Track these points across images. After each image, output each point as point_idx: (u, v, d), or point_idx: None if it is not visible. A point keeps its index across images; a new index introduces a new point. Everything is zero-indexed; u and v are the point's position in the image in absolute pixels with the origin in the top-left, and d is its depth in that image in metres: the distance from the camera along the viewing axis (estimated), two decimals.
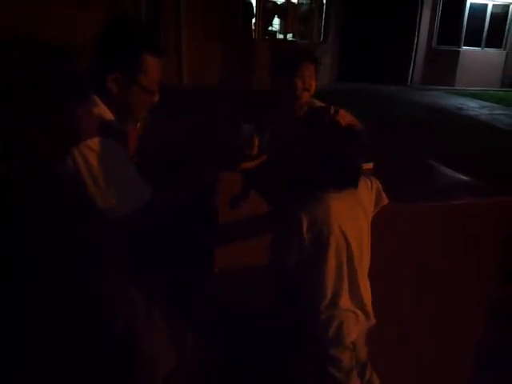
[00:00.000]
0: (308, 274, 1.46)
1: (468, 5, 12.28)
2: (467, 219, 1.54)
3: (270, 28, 11.14)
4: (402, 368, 1.68)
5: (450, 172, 1.76)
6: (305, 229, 1.37)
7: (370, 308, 1.49)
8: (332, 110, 1.66)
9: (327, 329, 1.44)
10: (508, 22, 12.66)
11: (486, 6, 12.42)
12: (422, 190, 1.60)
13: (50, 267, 1.44)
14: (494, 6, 12.49)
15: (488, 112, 9.20)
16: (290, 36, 10.98)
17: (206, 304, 1.69)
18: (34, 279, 1.52)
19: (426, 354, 1.70)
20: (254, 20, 10.15)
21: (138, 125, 1.66)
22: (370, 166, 1.70)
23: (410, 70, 12.70)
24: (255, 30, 10.23)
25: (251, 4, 10.08)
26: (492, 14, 12.50)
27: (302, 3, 11.13)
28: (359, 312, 1.46)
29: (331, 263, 1.40)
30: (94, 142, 1.30)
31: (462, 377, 1.78)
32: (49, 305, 1.49)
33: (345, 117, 1.66)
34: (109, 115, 1.39)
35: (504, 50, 12.80)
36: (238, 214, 2.04)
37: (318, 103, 1.83)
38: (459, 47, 12.49)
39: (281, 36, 11.12)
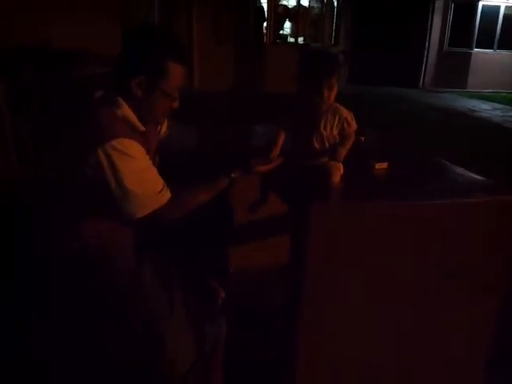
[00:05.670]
0: None
1: (480, 7, 12.23)
2: (481, 217, 1.56)
3: (281, 32, 11.19)
4: (412, 367, 1.70)
5: (462, 171, 1.78)
6: None
7: None
8: None
9: None
10: None
11: (498, 7, 12.35)
12: (436, 189, 1.61)
13: (62, 265, 1.47)
14: (506, 7, 12.42)
15: (501, 114, 9.15)
16: (301, 39, 11.03)
17: (220, 302, 1.72)
18: (40, 279, 1.54)
19: (439, 355, 1.72)
20: (265, 24, 10.20)
21: (159, 128, 1.71)
22: (384, 165, 1.73)
23: (422, 73, 12.65)
24: (266, 33, 10.28)
25: (262, 8, 10.13)
26: (505, 15, 12.43)
27: (313, 7, 11.17)
28: None
29: None
30: (119, 142, 1.33)
31: (477, 376, 1.79)
32: (61, 303, 1.52)
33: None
34: (132, 117, 1.43)
35: None
36: (254, 217, 2.08)
37: (346, 113, 1.76)
38: (471, 49, 12.43)
39: (292, 39, 11.17)
